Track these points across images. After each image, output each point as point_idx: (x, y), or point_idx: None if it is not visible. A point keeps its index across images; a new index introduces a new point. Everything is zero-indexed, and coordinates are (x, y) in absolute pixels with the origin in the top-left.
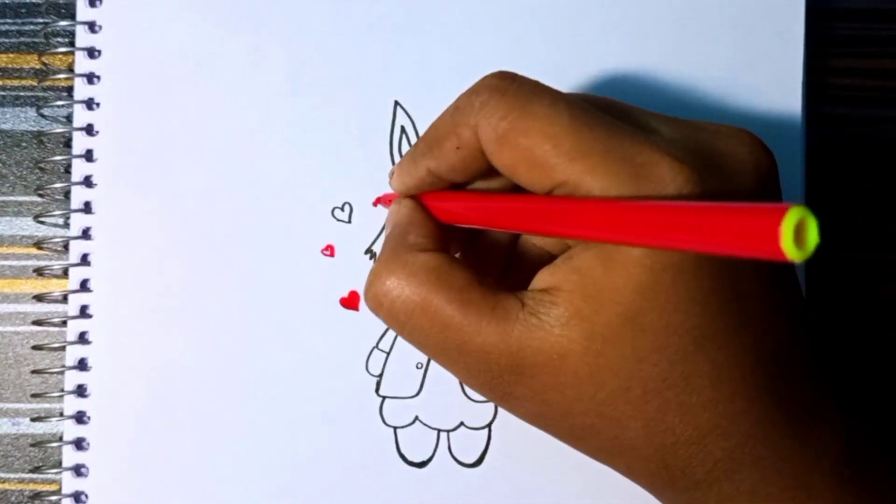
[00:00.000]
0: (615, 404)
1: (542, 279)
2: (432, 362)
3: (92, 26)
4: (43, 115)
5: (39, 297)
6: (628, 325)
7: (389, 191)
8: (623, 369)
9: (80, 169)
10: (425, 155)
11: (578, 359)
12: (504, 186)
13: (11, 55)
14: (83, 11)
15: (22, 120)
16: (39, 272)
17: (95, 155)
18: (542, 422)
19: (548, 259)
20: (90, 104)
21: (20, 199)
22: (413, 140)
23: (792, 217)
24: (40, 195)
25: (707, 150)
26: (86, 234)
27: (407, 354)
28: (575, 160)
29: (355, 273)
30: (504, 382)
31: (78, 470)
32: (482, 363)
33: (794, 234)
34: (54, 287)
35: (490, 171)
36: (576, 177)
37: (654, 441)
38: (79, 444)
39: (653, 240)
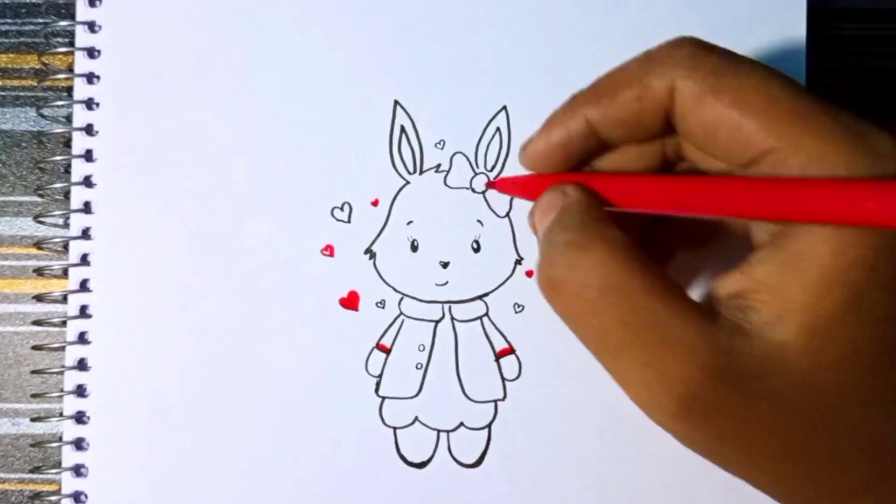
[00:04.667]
0: (829, 407)
1: (730, 283)
2: (432, 363)
3: (92, 26)
4: (43, 115)
5: (39, 297)
6: (852, 312)
7: (390, 190)
8: (839, 364)
9: (80, 169)
10: (590, 103)
11: (792, 361)
12: (649, 165)
13: (11, 55)
14: (83, 11)
15: (22, 120)
16: (39, 272)
17: (95, 155)
18: (744, 443)
19: (669, 253)
20: (90, 104)
21: (20, 199)
22: (413, 140)
23: None
24: (40, 195)
25: None
26: (86, 234)
27: (407, 355)
28: (794, 121)
29: (355, 273)
30: (709, 391)
31: (78, 470)
32: (684, 363)
33: None
34: (54, 287)
35: (645, 137)
36: (792, 140)
37: (863, 448)
38: (79, 444)
39: (888, 220)
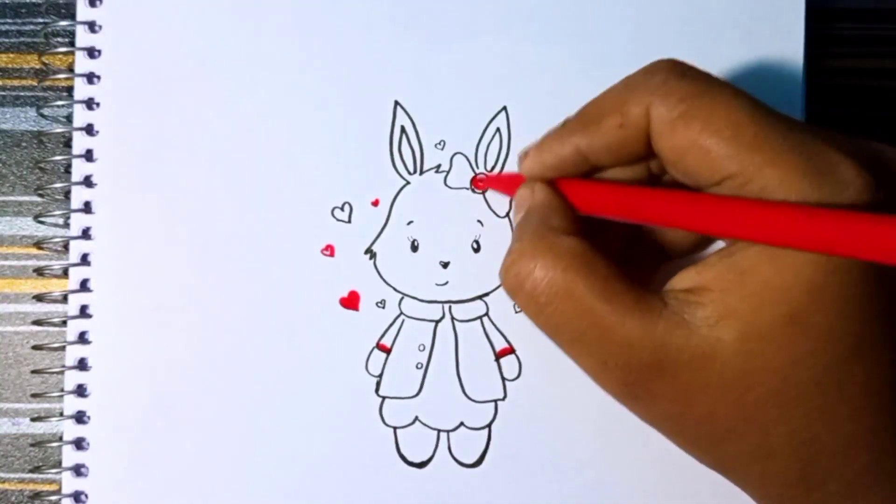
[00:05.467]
0: (764, 408)
1: (685, 279)
2: (432, 362)
3: (92, 26)
4: (43, 115)
5: (39, 297)
6: (790, 326)
7: (390, 190)
8: (778, 372)
9: (80, 169)
10: (577, 132)
11: (728, 360)
12: (636, 178)
13: (11, 55)
14: (83, 11)
15: (22, 120)
16: (39, 272)
17: (95, 155)
18: (676, 424)
19: (664, 255)
20: (90, 104)
21: (20, 199)
22: (413, 140)
23: None
24: (40, 195)
25: (876, 159)
26: (86, 234)
27: (407, 354)
28: (755, 150)
29: (355, 273)
30: (643, 378)
31: (78, 470)
32: (622, 356)
33: None
34: (54, 287)
35: (633, 160)
36: (753, 168)
37: (798, 450)
38: (79, 444)
39: (834, 247)
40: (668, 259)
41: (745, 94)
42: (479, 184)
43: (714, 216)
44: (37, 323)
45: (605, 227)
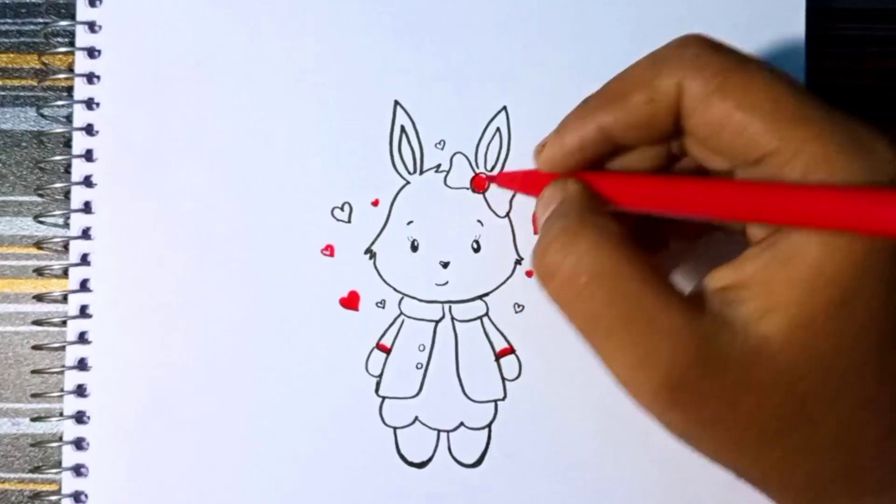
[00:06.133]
0: (811, 401)
1: (720, 277)
2: (432, 362)
3: (92, 26)
4: (43, 115)
5: (39, 297)
6: (838, 311)
7: (390, 190)
8: (823, 361)
9: (80, 169)
10: (601, 109)
11: (776, 354)
12: (654, 162)
13: (11, 55)
14: (83, 11)
15: (22, 120)
16: (39, 272)
17: (95, 155)
18: (722, 430)
19: (666, 243)
20: (90, 104)
21: (20, 199)
22: (413, 140)
23: None
24: (40, 195)
25: None
26: (86, 234)
27: (407, 355)
28: (798, 124)
29: (355, 273)
30: (689, 377)
31: (78, 470)
32: (667, 349)
33: None
34: (54, 287)
35: (659, 138)
36: (796, 144)
37: (843, 442)
38: (79, 444)
39: (889, 228)
40: (667, 247)
41: (781, 70)
42: (495, 181)
43: (762, 202)
44: (37, 323)
45: (619, 219)
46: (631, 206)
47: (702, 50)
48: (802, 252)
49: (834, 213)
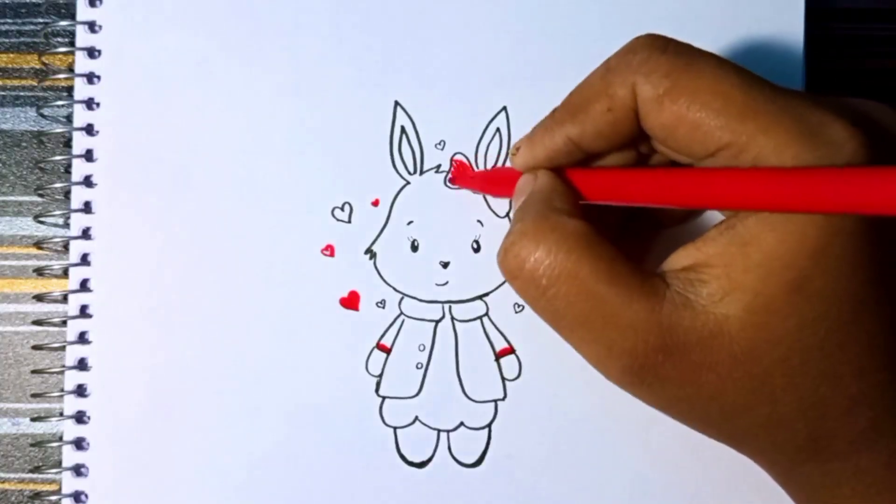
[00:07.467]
0: (771, 378)
1: (684, 257)
2: (432, 362)
3: (92, 26)
4: (43, 115)
5: (39, 297)
6: (796, 293)
7: (390, 190)
8: (784, 340)
9: (80, 169)
10: (565, 122)
11: (735, 335)
12: (630, 161)
13: (11, 55)
14: (83, 11)
15: (22, 120)
16: (39, 272)
17: (95, 155)
18: (685, 405)
19: (659, 225)
20: (90, 104)
21: (20, 199)
22: (413, 140)
23: None
24: (40, 195)
25: (864, 118)
26: (86, 234)
27: (407, 354)
28: (747, 118)
29: (355, 273)
30: (651, 363)
31: (78, 470)
32: (629, 340)
33: None
34: (54, 287)
35: (627, 142)
36: (746, 137)
37: (807, 414)
38: (79, 443)
39: (836, 205)
40: (663, 228)
41: (730, 62)
42: (454, 182)
43: (713, 189)
44: (37, 323)
45: (604, 209)
46: (596, 200)
47: (650, 53)
48: (757, 237)
49: (775, 194)
